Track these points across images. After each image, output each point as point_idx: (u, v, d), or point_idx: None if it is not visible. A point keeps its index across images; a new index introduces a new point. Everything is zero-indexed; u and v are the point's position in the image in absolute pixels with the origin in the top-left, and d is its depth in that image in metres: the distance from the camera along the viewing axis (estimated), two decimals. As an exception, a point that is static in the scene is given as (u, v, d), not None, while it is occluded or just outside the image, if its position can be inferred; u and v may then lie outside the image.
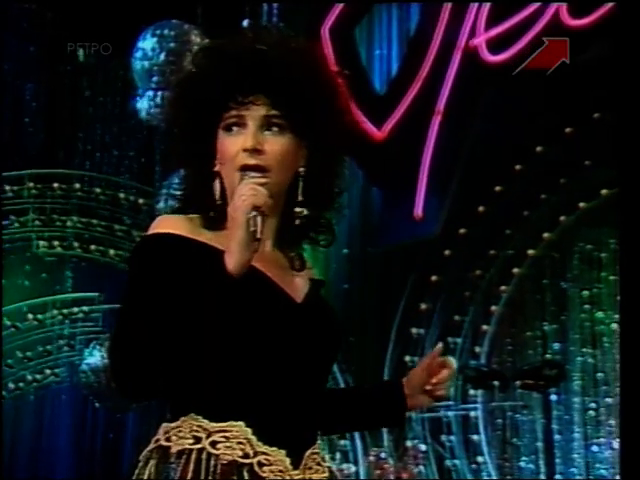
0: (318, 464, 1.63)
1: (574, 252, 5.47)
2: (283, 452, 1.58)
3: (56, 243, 5.89)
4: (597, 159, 5.33)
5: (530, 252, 5.58)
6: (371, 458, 5.54)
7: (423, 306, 5.72)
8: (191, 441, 1.56)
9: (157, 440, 1.61)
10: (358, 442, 5.63)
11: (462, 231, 5.68)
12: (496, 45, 5.48)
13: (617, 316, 5.30)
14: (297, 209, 1.67)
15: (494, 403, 5.44)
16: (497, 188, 5.61)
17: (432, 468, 5.53)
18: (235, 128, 1.64)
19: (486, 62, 5.52)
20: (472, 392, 5.53)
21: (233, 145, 1.64)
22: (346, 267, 5.87)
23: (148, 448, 1.62)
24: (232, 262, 1.53)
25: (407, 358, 5.75)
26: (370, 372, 5.68)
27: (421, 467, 5.52)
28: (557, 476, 5.27)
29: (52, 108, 5.87)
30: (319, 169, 1.69)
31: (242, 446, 1.55)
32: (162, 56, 4.97)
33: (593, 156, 5.33)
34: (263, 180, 1.60)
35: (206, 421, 1.57)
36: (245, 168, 1.62)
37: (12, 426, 5.57)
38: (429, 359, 1.78)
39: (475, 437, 5.53)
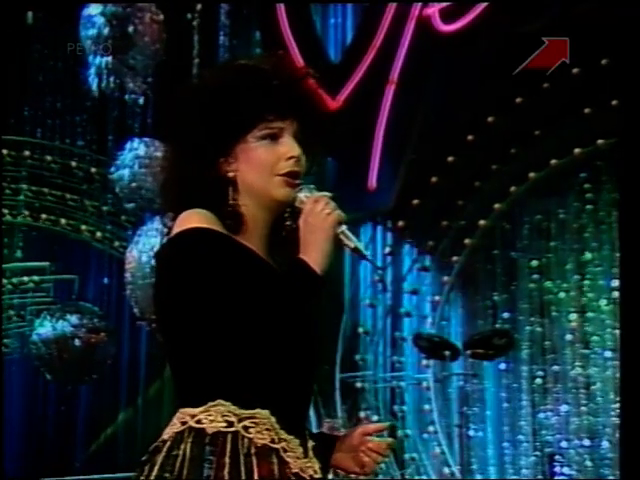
0: (314, 456, 1.74)
1: (524, 222, 5.52)
2: (298, 441, 1.70)
3: (6, 211, 5.80)
4: (547, 129, 5.37)
5: (481, 223, 5.62)
6: (324, 429, 5.58)
7: (377, 277, 5.74)
8: (224, 424, 1.65)
9: (184, 422, 1.67)
10: (312, 412, 5.67)
11: (415, 202, 5.70)
12: (449, 15, 5.47)
13: (566, 285, 5.38)
14: (287, 222, 1.82)
15: (445, 373, 5.49)
16: (449, 159, 5.63)
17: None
18: (270, 138, 1.78)
19: (439, 32, 5.51)
20: (424, 362, 5.58)
21: (271, 153, 1.77)
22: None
23: (174, 429, 1.67)
24: (319, 268, 1.71)
25: (360, 330, 5.79)
26: (325, 344, 5.69)
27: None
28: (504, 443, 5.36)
29: (1, 75, 5.75)
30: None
31: (269, 432, 1.67)
32: (106, 22, 4.90)
33: (543, 126, 5.36)
34: (332, 200, 1.77)
35: (235, 407, 1.67)
36: (291, 174, 1.77)
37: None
38: (373, 429, 1.87)
39: (427, 407, 5.59)
